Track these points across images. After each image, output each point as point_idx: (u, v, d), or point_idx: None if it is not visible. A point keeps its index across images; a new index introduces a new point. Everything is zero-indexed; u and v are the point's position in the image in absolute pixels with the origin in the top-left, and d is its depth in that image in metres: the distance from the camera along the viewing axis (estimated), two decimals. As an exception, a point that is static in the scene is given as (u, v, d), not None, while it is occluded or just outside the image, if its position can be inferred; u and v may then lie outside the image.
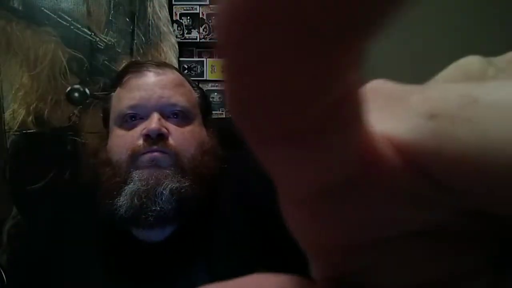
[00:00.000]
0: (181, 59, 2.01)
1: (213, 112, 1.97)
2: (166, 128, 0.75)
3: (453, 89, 0.10)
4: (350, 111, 0.09)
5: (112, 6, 1.88)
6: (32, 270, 0.81)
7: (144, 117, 0.76)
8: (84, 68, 1.87)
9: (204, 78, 2.03)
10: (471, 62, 0.14)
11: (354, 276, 0.12)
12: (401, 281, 0.12)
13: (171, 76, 0.80)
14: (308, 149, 0.09)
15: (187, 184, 0.74)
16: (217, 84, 2.04)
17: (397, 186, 0.10)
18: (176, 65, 1.94)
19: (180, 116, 0.78)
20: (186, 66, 2.03)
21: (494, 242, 0.11)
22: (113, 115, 0.80)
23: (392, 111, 0.10)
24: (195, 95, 0.84)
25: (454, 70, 0.14)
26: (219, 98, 2.03)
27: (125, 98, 0.77)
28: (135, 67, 0.81)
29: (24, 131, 1.84)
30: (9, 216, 1.81)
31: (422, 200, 0.10)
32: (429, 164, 0.09)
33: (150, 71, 0.79)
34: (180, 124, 0.78)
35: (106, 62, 1.87)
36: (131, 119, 0.77)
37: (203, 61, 2.04)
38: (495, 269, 0.12)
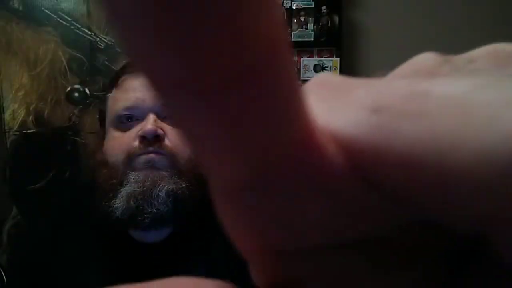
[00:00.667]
0: (181, 59, 2.01)
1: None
2: (162, 129, 0.74)
3: (401, 82, 0.09)
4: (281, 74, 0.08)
5: (112, 6, 1.88)
6: (31, 270, 0.81)
7: (140, 118, 0.76)
8: (84, 68, 1.87)
9: (204, 78, 2.02)
10: (425, 58, 0.12)
11: (295, 285, 0.11)
12: None
13: None
14: (235, 120, 0.08)
15: (183, 185, 0.74)
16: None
17: (334, 188, 0.09)
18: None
19: None
20: (186, 66, 2.02)
21: (444, 254, 0.10)
22: (109, 116, 0.80)
23: (335, 103, 0.09)
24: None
25: (406, 66, 0.13)
26: (219, 98, 2.03)
27: (121, 99, 0.77)
28: (131, 68, 0.80)
29: (24, 131, 1.85)
30: (9, 216, 1.82)
31: (362, 207, 0.09)
32: (369, 164, 0.08)
33: None
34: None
35: (106, 62, 1.87)
36: (127, 120, 0.76)
37: (203, 61, 2.03)
38: (444, 283, 0.11)
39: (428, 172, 0.08)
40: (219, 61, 0.07)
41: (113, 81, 0.82)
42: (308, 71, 2.02)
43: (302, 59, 2.04)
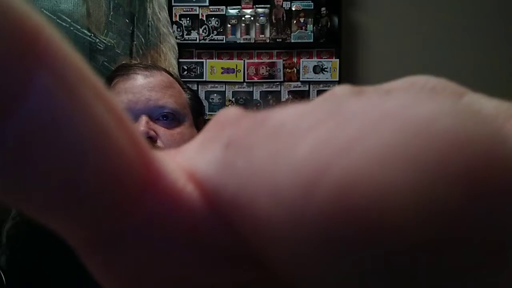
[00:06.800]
0: (180, 60, 2.01)
1: (213, 113, 1.99)
2: (154, 131, 0.75)
3: (257, 113, 0.08)
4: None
5: (111, 7, 1.88)
6: (31, 271, 0.81)
7: (133, 120, 0.76)
8: (84, 69, 1.87)
9: (204, 79, 2.03)
10: (337, 90, 0.11)
11: None
12: None
13: (159, 78, 0.80)
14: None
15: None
16: (216, 85, 2.04)
17: (191, 233, 0.08)
18: (176, 66, 1.94)
19: (169, 118, 0.78)
20: (185, 67, 2.03)
21: None
22: (102, 119, 0.80)
23: (208, 142, 0.09)
24: (185, 96, 0.84)
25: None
26: (219, 99, 2.03)
27: None
28: (123, 71, 0.81)
29: (23, 132, 1.85)
30: (9, 217, 1.82)
31: (221, 254, 0.08)
32: (215, 202, 0.08)
33: (137, 74, 0.79)
34: (169, 126, 0.77)
35: (106, 63, 1.88)
36: (120, 122, 0.77)
37: (202, 62, 2.04)
38: None
39: (243, 214, 0.07)
40: None
41: (106, 84, 0.82)
42: (308, 72, 2.02)
43: (301, 60, 2.04)
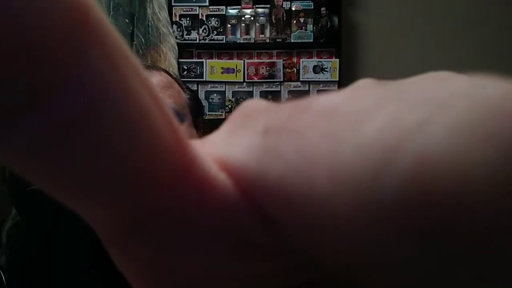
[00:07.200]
0: (180, 60, 2.01)
1: (213, 113, 1.99)
2: None
3: (297, 101, 0.08)
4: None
5: (111, 7, 1.88)
6: (31, 271, 0.81)
7: None
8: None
9: (204, 79, 2.03)
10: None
11: None
12: None
13: (158, 78, 0.80)
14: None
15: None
16: (216, 85, 2.04)
17: (221, 224, 0.08)
18: (176, 66, 1.94)
19: None
20: (185, 67, 2.03)
21: None
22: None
23: (238, 131, 0.08)
24: (184, 96, 0.84)
25: None
26: (219, 99, 2.03)
27: None
28: None
29: (23, 132, 1.85)
30: (9, 216, 1.82)
31: (252, 247, 0.08)
32: (254, 190, 0.08)
33: None
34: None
35: (106, 63, 1.88)
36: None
37: (202, 62, 2.04)
38: None
39: (295, 199, 0.07)
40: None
41: None
42: (308, 72, 2.02)
43: (301, 60, 2.04)
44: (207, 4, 2.04)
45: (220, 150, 0.08)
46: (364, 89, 0.08)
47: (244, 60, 2.05)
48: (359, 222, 0.07)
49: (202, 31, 2.04)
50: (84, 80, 0.07)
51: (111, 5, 1.88)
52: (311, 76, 2.02)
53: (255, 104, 0.09)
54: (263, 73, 2.03)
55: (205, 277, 0.08)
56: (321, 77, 2.01)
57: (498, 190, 0.06)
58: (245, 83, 2.04)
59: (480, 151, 0.06)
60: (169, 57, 1.95)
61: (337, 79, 1.99)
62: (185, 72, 2.02)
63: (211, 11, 2.04)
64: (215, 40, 2.04)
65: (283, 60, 2.05)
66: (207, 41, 2.04)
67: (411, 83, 0.10)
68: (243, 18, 2.04)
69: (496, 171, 0.06)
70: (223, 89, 2.04)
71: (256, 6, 2.03)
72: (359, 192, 0.06)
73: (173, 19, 2.03)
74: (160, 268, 0.09)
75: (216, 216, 0.08)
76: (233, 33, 2.04)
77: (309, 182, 0.07)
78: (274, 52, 2.05)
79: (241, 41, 2.04)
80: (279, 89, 2.03)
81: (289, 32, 2.03)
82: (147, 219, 0.08)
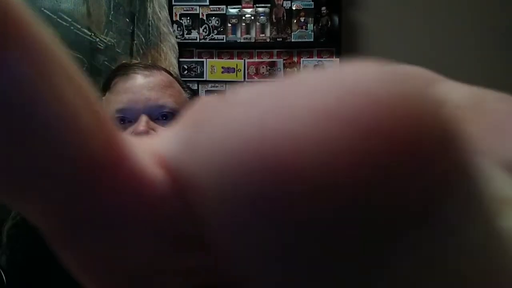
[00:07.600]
0: (181, 59, 2.01)
1: (213, 112, 1.98)
2: (154, 130, 0.75)
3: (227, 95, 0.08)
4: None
5: (112, 6, 1.88)
6: (31, 271, 0.81)
7: (133, 120, 0.76)
8: (84, 69, 1.87)
9: (204, 79, 2.03)
10: None
11: None
12: None
13: (159, 77, 0.80)
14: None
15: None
16: (216, 85, 2.04)
17: (159, 220, 0.08)
18: (176, 66, 1.94)
19: (169, 117, 0.78)
20: (186, 67, 2.03)
21: None
22: (102, 119, 0.80)
23: (178, 126, 0.09)
24: (185, 95, 0.84)
25: None
26: (219, 98, 2.03)
27: (113, 101, 0.78)
28: (123, 70, 0.81)
29: (24, 132, 1.85)
30: (9, 216, 1.82)
31: (192, 240, 0.08)
32: (179, 182, 0.08)
33: (137, 73, 0.79)
34: (169, 126, 0.78)
35: (106, 63, 1.88)
36: (120, 122, 0.77)
37: (203, 61, 2.04)
38: None
39: (198, 188, 0.07)
40: None
41: (106, 84, 0.82)
42: (308, 72, 2.02)
43: (302, 59, 2.04)
44: (207, 3, 2.04)
45: (160, 146, 0.08)
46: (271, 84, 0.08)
47: (244, 60, 2.05)
48: (231, 210, 0.07)
49: (203, 31, 2.04)
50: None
51: (112, 4, 1.88)
52: (311, 75, 2.02)
53: (200, 100, 0.09)
54: (263, 73, 2.03)
55: (146, 272, 0.08)
56: (321, 76, 2.01)
57: (342, 159, 0.07)
58: (245, 83, 2.04)
59: (326, 128, 0.07)
60: (170, 57, 1.95)
61: (338, 79, 1.99)
62: (186, 72, 2.02)
63: (211, 11, 2.04)
64: (216, 40, 2.04)
65: (284, 59, 2.05)
66: (207, 41, 2.04)
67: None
68: (243, 18, 2.04)
69: (338, 143, 0.07)
70: (224, 89, 2.04)
71: (257, 5, 2.03)
72: (229, 179, 0.07)
73: (174, 19, 2.03)
74: (100, 265, 0.08)
75: (152, 211, 0.08)
76: (234, 33, 2.04)
77: (208, 170, 0.07)
78: (275, 51, 2.05)
79: (242, 41, 2.04)
80: (279, 89, 2.03)
81: (289, 32, 2.03)
82: (81, 218, 0.08)
